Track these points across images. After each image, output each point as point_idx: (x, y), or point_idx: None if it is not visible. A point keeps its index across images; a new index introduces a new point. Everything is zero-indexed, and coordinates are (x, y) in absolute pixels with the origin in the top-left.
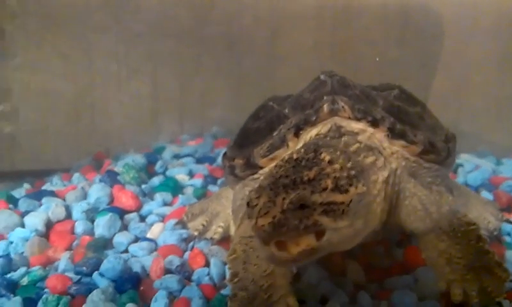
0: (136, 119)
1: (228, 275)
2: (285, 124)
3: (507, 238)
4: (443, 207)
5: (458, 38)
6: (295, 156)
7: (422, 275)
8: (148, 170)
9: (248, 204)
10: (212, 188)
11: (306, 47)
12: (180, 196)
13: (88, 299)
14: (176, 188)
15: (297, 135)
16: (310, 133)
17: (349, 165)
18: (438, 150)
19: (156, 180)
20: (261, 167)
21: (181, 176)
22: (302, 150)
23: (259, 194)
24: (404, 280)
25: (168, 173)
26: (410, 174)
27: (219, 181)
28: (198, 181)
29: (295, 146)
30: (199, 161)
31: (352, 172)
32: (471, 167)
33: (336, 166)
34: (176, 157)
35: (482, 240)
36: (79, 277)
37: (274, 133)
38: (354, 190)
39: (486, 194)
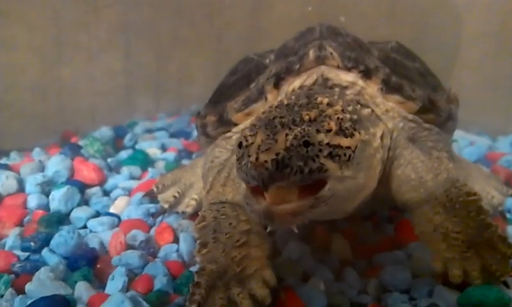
0: (108, 95)
1: (196, 247)
2: (264, 74)
3: (507, 215)
4: (440, 175)
5: (451, 13)
6: (285, 102)
7: (416, 250)
8: (116, 144)
9: (239, 144)
10: (187, 162)
11: (292, 20)
12: (150, 169)
13: (34, 278)
14: (145, 161)
15: (277, 86)
16: (293, 85)
17: (349, 108)
18: (438, 109)
19: (124, 154)
20: (235, 124)
21: (152, 150)
22: (292, 97)
23: (254, 131)
24: (396, 256)
25: (137, 146)
26: (409, 137)
27: (194, 155)
28: (170, 155)
29: (274, 100)
30: (173, 135)
31: (355, 116)
32: (466, 143)
33: (338, 108)
34: (149, 131)
35: (483, 212)
36: (27, 254)
37: (251, 85)
38: (358, 136)
39: None
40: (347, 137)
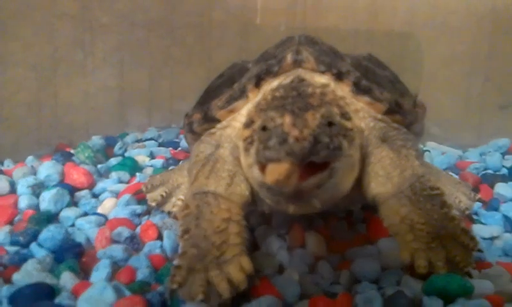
0: (102, 111)
1: (179, 232)
2: (246, 75)
3: (474, 217)
4: (406, 171)
5: (427, 36)
6: (277, 94)
7: (385, 246)
8: (106, 153)
9: (263, 128)
10: None
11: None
12: (138, 174)
13: (22, 269)
14: (134, 168)
15: (258, 85)
16: (272, 85)
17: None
18: (404, 112)
19: (114, 161)
20: (219, 121)
21: (141, 157)
22: (280, 89)
23: (280, 112)
24: (367, 250)
25: (127, 154)
26: (380, 136)
27: (181, 163)
28: (158, 161)
29: (255, 98)
30: (162, 145)
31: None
32: (438, 153)
33: (332, 97)
34: (139, 141)
35: (446, 205)
36: (16, 249)
37: (235, 85)
38: (353, 121)
39: None
40: (347, 120)
